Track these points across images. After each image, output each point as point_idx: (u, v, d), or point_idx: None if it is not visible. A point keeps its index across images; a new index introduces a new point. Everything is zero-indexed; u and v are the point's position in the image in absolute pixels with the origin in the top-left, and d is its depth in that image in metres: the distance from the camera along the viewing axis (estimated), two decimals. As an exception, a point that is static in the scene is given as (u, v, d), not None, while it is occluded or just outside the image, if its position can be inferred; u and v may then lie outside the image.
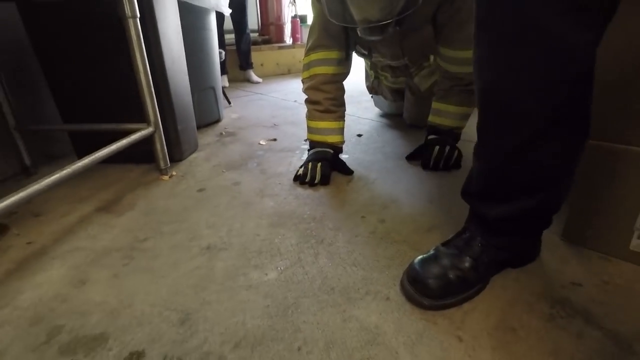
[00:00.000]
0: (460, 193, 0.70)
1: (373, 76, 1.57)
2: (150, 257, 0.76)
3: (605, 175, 0.67)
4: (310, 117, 1.17)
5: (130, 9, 0.98)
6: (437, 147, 1.12)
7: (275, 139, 1.50)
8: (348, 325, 0.57)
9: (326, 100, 1.13)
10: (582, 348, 0.51)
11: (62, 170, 0.84)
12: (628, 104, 0.61)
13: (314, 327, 0.57)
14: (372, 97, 1.81)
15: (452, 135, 1.15)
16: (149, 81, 1.07)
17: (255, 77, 3.10)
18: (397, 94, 1.61)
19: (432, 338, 0.54)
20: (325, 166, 1.09)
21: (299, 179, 1.09)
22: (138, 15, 1.00)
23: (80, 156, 1.29)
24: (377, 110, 1.87)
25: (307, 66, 1.14)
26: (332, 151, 1.14)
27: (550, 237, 0.75)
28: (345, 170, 1.15)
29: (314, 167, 1.08)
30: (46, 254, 0.79)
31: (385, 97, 1.67)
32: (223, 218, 0.91)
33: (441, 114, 1.15)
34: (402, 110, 1.65)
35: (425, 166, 1.14)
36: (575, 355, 0.50)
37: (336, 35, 1.09)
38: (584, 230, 0.72)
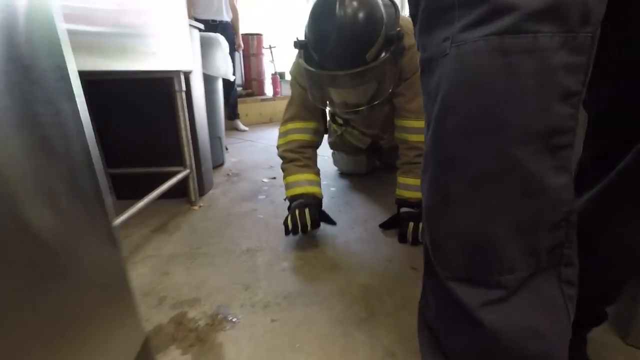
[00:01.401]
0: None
1: (338, 132, 1.65)
2: (208, 257, 1.09)
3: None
4: (288, 173, 1.22)
5: (179, 85, 1.36)
6: (411, 224, 1.13)
7: (274, 177, 1.87)
8: (351, 287, 0.93)
9: (304, 158, 1.23)
10: None
11: (136, 204, 1.15)
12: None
13: (326, 287, 0.92)
14: (332, 154, 1.88)
15: (420, 207, 1.10)
16: (188, 135, 1.44)
17: (242, 126, 3.50)
18: (356, 150, 1.72)
19: None
20: (313, 210, 1.12)
21: (290, 232, 1.10)
22: (184, 89, 1.39)
23: (119, 195, 1.61)
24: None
25: (284, 134, 1.25)
26: (314, 200, 1.19)
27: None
28: (329, 221, 1.23)
29: (302, 214, 1.10)
30: (128, 261, 1.10)
31: (346, 153, 1.75)
32: (251, 232, 1.25)
33: (409, 187, 1.18)
34: (360, 169, 1.80)
35: (400, 241, 1.15)
36: None
37: (313, 110, 1.22)
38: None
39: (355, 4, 0.93)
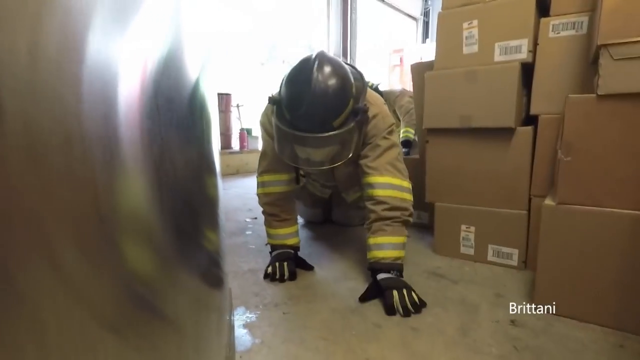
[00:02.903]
0: None
1: (301, 183, 1.65)
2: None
3: (447, 216, 1.42)
4: (269, 225, 1.36)
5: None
6: (395, 292, 1.06)
7: (256, 217, 2.11)
8: (340, 290, 1.19)
9: (282, 212, 1.34)
10: (440, 283, 1.19)
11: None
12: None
13: (322, 291, 1.17)
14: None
15: (397, 268, 1.14)
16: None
17: (212, 177, 3.71)
18: (318, 202, 1.82)
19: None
20: (291, 264, 1.28)
21: (270, 277, 1.25)
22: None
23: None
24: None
25: (262, 184, 1.35)
26: (292, 251, 1.34)
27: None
28: (307, 267, 1.35)
29: (282, 266, 1.26)
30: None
31: (304, 204, 1.83)
32: (248, 258, 1.47)
33: (381, 247, 1.16)
34: (318, 218, 1.93)
35: (389, 313, 1.03)
36: (437, 285, 1.17)
37: (285, 162, 1.21)
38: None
39: (330, 75, 1.02)
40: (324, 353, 0.86)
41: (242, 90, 4.65)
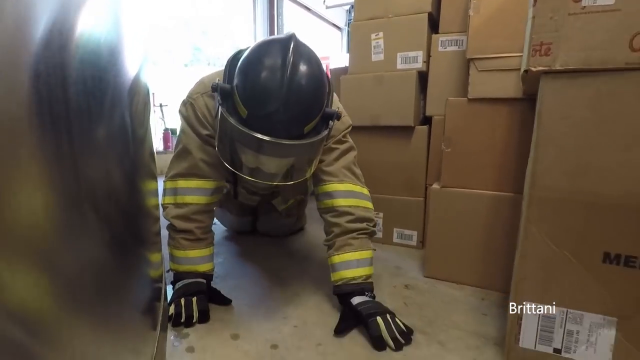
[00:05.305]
0: None
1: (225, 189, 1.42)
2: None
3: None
4: (176, 246, 1.02)
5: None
6: (379, 319, 0.88)
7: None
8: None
9: (198, 229, 1.03)
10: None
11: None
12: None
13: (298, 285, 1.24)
14: (215, 210, 1.52)
15: (370, 289, 0.99)
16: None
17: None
18: (245, 210, 1.58)
19: None
20: (202, 301, 0.97)
21: (173, 321, 0.92)
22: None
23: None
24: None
25: (173, 192, 1.02)
26: (204, 281, 1.04)
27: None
28: (223, 301, 1.04)
29: (189, 304, 0.94)
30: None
31: (230, 212, 1.58)
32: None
33: (349, 265, 0.98)
34: (246, 227, 1.65)
35: (379, 348, 0.85)
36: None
37: (217, 164, 1.00)
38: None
39: (309, 65, 0.80)
40: None
41: (165, 91, 4.51)
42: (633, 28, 0.59)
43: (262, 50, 0.81)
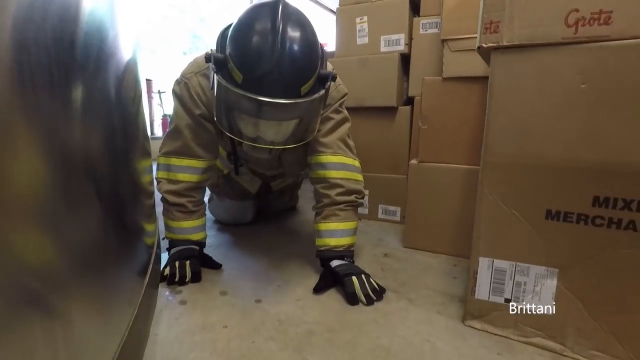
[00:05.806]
0: None
1: (224, 171, 1.46)
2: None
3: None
4: (170, 217, 1.10)
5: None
6: (354, 278, 0.96)
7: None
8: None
9: (189, 203, 1.10)
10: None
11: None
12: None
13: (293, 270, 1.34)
14: (209, 199, 1.57)
15: (350, 255, 1.07)
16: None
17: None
18: (244, 194, 1.51)
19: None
20: (195, 264, 1.05)
21: (168, 280, 1.00)
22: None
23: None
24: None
25: (166, 167, 1.07)
26: (197, 247, 1.12)
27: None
28: (214, 265, 1.13)
29: (183, 266, 1.03)
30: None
31: (229, 197, 1.51)
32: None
33: (333, 234, 1.05)
34: (245, 217, 1.56)
35: (352, 302, 0.93)
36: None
37: (208, 144, 1.07)
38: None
39: (300, 24, 0.82)
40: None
41: (163, 78, 4.56)
42: (568, 6, 0.66)
43: (251, 15, 0.83)
